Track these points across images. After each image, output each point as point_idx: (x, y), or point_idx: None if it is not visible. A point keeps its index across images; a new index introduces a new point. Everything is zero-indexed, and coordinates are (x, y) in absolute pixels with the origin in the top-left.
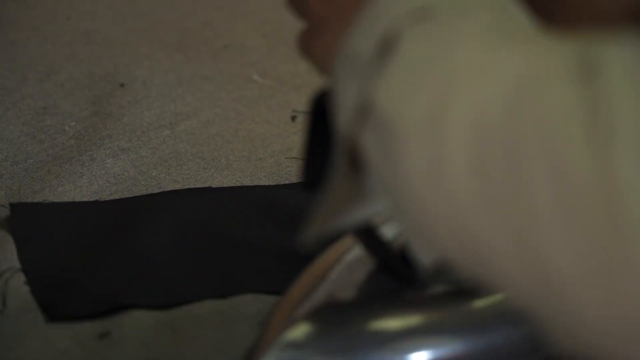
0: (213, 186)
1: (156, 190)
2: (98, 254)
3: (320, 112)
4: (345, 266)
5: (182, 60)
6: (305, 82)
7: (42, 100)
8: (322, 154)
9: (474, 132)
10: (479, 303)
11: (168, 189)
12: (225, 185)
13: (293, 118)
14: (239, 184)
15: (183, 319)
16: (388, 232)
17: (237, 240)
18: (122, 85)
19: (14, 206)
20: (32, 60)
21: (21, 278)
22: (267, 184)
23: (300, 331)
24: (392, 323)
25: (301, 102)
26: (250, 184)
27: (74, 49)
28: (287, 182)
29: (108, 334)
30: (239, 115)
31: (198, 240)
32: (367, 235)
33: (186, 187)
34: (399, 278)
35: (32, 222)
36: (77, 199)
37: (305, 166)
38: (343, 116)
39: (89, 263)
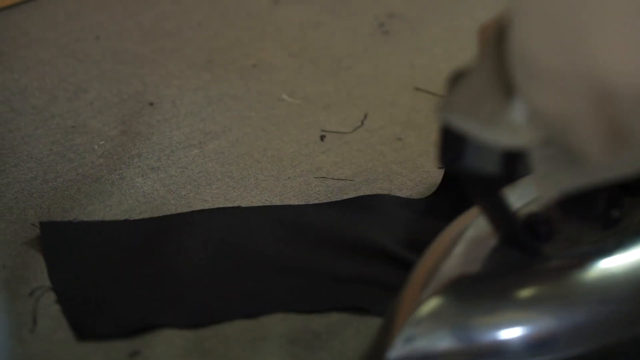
0: (242, 205)
1: (185, 209)
2: (128, 272)
3: None
4: (468, 242)
5: (210, 80)
6: (334, 101)
7: (72, 119)
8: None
9: None
10: (603, 272)
11: (197, 208)
12: (254, 204)
13: (322, 137)
14: (268, 203)
15: (212, 339)
16: (514, 203)
17: (266, 260)
18: (151, 104)
19: (44, 225)
20: (61, 80)
21: (51, 297)
22: (296, 203)
23: (430, 308)
24: (520, 295)
25: (329, 122)
26: (279, 203)
27: (103, 68)
28: (316, 201)
29: (138, 353)
30: (267, 135)
31: (227, 259)
32: (493, 206)
33: (215, 206)
34: (523, 250)
35: (62, 240)
36: (106, 218)
37: (442, 144)
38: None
39: (119, 282)
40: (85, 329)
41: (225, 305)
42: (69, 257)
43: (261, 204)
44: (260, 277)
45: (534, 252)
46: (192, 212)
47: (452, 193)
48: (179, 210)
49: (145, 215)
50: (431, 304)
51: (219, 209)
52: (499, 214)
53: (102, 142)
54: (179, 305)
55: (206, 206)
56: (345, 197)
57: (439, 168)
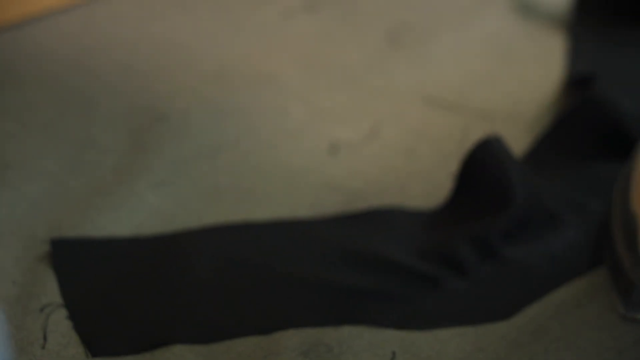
0: (253, 219)
1: (196, 223)
2: (139, 289)
3: None
4: None
5: (221, 92)
6: (345, 113)
7: (82, 133)
8: None
9: None
10: None
11: (207, 222)
12: (264, 217)
13: (332, 149)
14: (278, 216)
15: (224, 355)
16: None
17: (277, 274)
18: (161, 117)
19: (55, 241)
20: (72, 94)
21: (62, 313)
22: (306, 215)
23: None
24: None
25: (340, 133)
26: (290, 216)
27: (113, 82)
28: (326, 213)
29: None
30: (278, 147)
31: (239, 275)
32: None
33: (225, 219)
34: None
35: (73, 257)
36: (117, 233)
37: None
38: None
39: (131, 298)
40: (97, 345)
41: (237, 320)
42: (81, 274)
43: (272, 217)
44: (271, 292)
45: None
46: (203, 228)
47: (462, 202)
48: (189, 224)
49: (156, 230)
50: None
51: (229, 224)
52: None
53: (113, 157)
54: (191, 321)
55: (216, 219)
56: (355, 209)
57: (450, 175)
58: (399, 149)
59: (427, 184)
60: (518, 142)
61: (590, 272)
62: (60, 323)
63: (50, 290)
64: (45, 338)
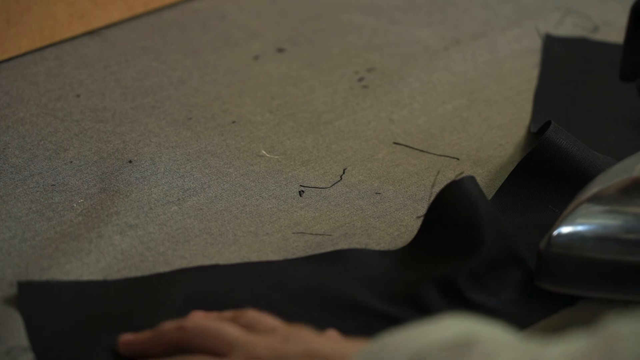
0: (220, 262)
1: (163, 267)
2: (106, 332)
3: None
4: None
5: (190, 137)
6: (312, 157)
7: (51, 177)
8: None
9: None
10: None
11: (175, 265)
12: (232, 260)
13: (300, 193)
14: (246, 259)
15: None
16: None
17: None
18: (130, 161)
19: (22, 285)
20: (41, 138)
21: (28, 356)
22: (274, 259)
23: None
24: None
25: (308, 177)
26: (257, 259)
27: (82, 126)
28: (294, 256)
29: None
30: (246, 191)
31: None
32: None
33: (193, 263)
34: None
35: (40, 300)
36: (84, 276)
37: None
38: None
39: (98, 342)
40: None
41: None
42: (48, 317)
43: (239, 260)
44: None
45: None
46: (171, 271)
47: (428, 242)
48: (157, 267)
49: (124, 273)
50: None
51: (197, 267)
52: None
53: (81, 200)
54: None
55: (184, 263)
56: (323, 252)
57: (418, 218)
58: (366, 192)
59: (394, 226)
60: (486, 186)
61: (555, 316)
62: None
63: (17, 333)
64: None
